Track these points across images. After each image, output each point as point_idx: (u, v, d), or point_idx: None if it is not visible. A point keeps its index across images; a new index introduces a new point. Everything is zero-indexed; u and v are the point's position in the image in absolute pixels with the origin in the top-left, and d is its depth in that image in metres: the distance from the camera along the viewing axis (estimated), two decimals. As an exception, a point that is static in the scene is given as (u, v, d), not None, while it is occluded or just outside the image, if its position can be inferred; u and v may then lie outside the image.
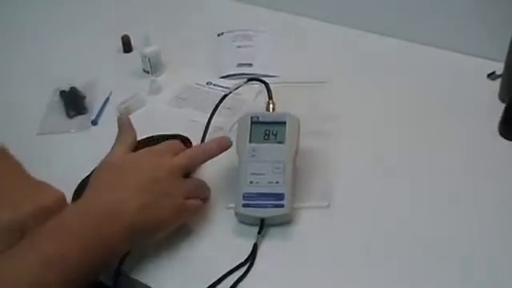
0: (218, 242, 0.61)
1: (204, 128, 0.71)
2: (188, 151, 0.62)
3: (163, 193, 0.57)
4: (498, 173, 0.67)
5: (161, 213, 0.57)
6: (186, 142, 0.69)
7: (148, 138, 0.68)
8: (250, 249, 0.59)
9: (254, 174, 0.62)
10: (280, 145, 0.64)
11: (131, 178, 0.57)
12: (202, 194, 0.62)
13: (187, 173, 0.61)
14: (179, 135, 0.70)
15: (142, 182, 0.56)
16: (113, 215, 0.54)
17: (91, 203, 0.55)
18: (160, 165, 0.58)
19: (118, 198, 0.55)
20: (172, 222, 0.58)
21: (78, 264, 0.51)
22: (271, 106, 0.69)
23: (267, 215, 0.60)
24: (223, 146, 0.63)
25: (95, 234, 0.53)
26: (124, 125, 0.63)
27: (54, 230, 0.52)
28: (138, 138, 0.63)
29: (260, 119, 0.65)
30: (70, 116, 0.79)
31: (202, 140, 0.70)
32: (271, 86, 0.70)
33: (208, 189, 0.63)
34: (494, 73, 0.80)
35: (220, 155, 0.63)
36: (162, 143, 0.62)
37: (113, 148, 0.61)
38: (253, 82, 0.73)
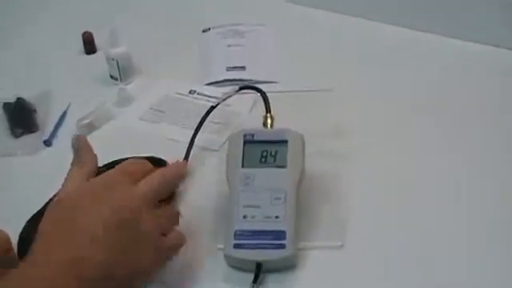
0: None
1: (186, 148, 0.71)
2: (154, 174, 0.61)
3: (133, 237, 0.55)
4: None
5: (135, 263, 0.55)
6: (162, 165, 0.66)
7: (114, 162, 0.66)
8: (244, 303, 0.58)
9: (247, 206, 0.61)
10: (280, 169, 0.63)
11: (88, 223, 0.55)
12: (175, 222, 0.61)
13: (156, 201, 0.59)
14: (153, 157, 0.67)
15: (102, 228, 0.54)
16: (70, 275, 0.52)
17: (41, 262, 0.52)
18: (121, 200, 0.56)
19: (75, 252, 0.53)
20: (151, 270, 0.58)
21: None
22: (269, 120, 0.69)
23: (264, 258, 0.59)
24: (178, 174, 0.64)
25: None
26: (80, 147, 0.61)
27: None
28: (103, 163, 0.62)
29: (255, 138, 0.65)
30: (15, 135, 0.78)
31: (185, 163, 0.71)
32: (269, 95, 0.70)
33: (178, 212, 0.62)
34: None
35: (210, 180, 0.64)
36: (117, 167, 0.60)
37: (66, 178, 0.60)
38: (246, 90, 0.73)
